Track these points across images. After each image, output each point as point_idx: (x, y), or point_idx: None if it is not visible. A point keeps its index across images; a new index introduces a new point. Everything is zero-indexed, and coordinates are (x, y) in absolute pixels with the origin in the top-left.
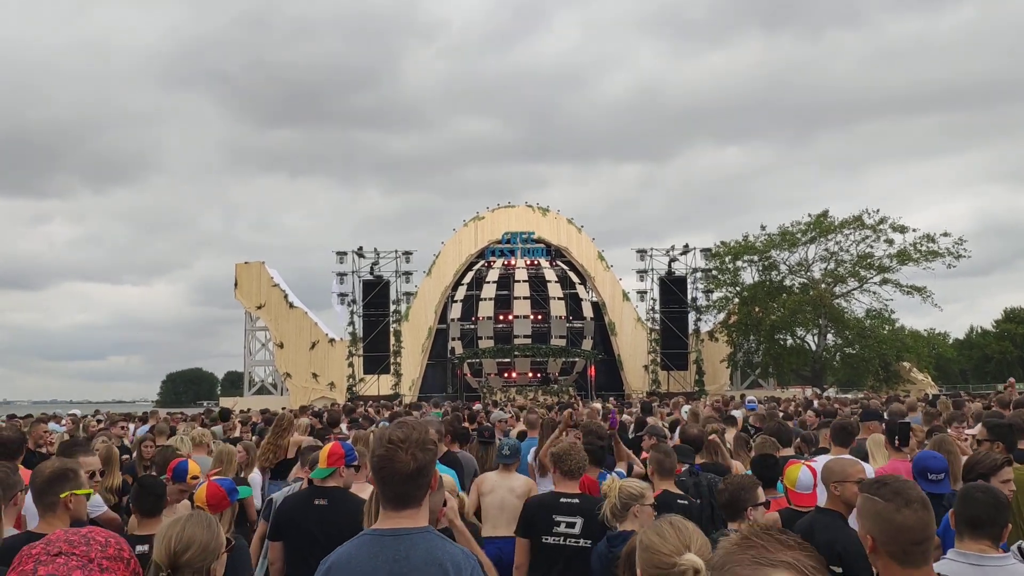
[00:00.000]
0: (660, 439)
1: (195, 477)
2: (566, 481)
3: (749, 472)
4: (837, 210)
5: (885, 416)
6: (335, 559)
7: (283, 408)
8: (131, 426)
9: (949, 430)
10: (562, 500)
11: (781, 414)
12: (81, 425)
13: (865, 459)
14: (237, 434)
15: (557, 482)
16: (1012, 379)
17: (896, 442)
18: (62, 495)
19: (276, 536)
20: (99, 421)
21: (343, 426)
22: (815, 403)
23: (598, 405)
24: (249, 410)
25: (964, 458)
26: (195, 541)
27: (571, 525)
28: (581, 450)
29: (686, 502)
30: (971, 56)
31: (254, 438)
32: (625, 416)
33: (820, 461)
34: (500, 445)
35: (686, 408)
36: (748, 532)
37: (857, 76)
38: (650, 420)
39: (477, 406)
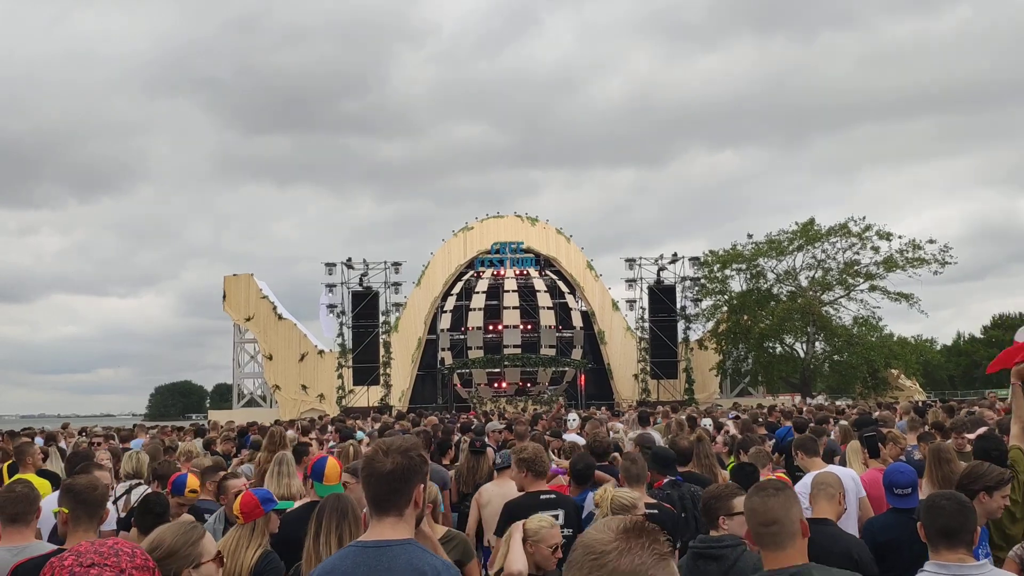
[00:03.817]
0: (645, 448)
1: (194, 491)
2: (538, 481)
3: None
4: (831, 214)
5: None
6: (319, 570)
7: (275, 422)
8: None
9: (952, 438)
10: (541, 497)
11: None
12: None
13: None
14: (219, 449)
15: (529, 484)
16: (992, 393)
17: (868, 452)
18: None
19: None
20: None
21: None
22: (803, 411)
23: (574, 415)
24: (231, 422)
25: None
26: (163, 544)
27: (555, 518)
28: (542, 451)
29: (655, 511)
30: (966, 58)
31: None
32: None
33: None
34: (494, 456)
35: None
36: None
37: (851, 78)
38: (650, 430)
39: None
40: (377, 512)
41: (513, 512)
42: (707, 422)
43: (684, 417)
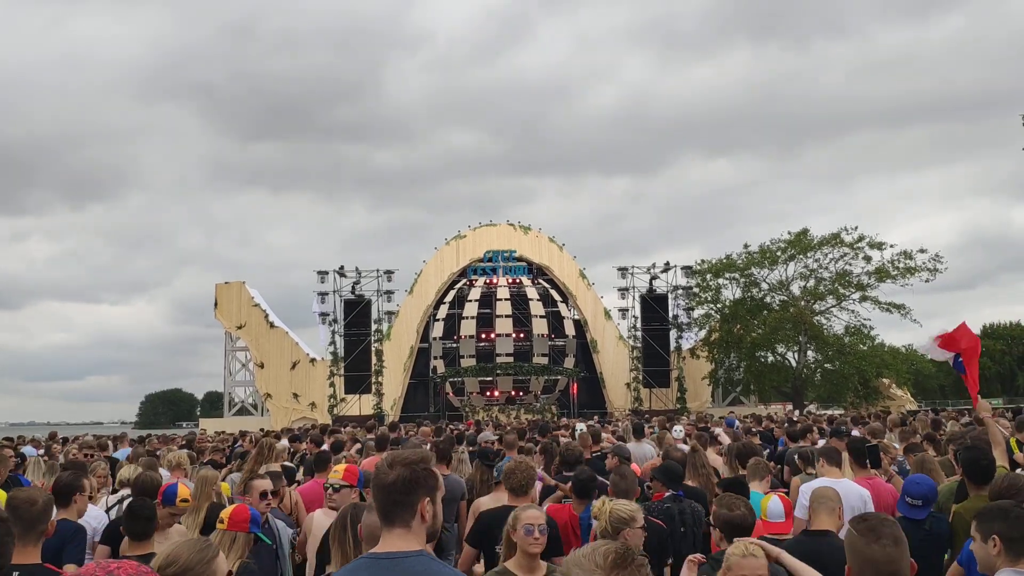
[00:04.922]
0: (623, 460)
1: (185, 500)
2: (515, 497)
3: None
4: (825, 223)
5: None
6: None
7: (261, 429)
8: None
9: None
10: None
11: (758, 432)
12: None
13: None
14: (207, 459)
15: (511, 499)
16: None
17: (867, 463)
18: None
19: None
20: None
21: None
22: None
23: (582, 425)
24: (222, 433)
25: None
26: (178, 560)
27: None
28: (528, 467)
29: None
30: (959, 68)
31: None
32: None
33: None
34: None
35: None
36: None
37: (845, 88)
38: (645, 442)
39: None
40: (385, 523)
41: (485, 522)
42: (718, 431)
43: (698, 426)
